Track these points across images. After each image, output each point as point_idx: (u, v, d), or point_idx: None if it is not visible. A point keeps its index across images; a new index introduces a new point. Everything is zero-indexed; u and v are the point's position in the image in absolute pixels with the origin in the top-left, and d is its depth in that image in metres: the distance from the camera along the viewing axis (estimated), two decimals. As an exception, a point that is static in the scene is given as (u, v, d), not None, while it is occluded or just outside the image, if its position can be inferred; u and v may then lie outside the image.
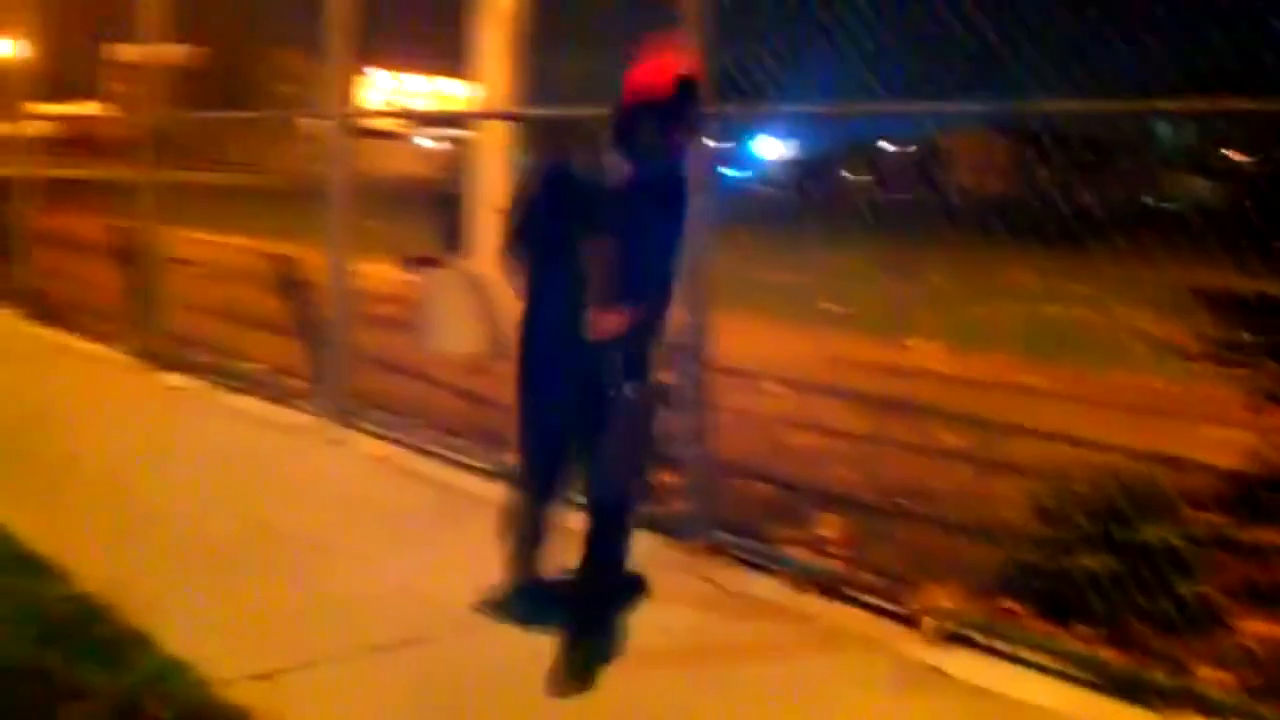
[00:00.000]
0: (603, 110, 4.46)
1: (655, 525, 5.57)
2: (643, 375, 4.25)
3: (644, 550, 5.35)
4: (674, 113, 4.12)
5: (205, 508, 5.87)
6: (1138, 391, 8.13)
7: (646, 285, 4.19)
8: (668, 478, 5.74)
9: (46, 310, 11.40)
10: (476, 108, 8.01)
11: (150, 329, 9.63)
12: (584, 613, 4.33)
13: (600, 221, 4.07)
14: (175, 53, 10.25)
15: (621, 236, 4.05)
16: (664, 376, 5.76)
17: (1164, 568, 4.25)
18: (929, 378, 8.74)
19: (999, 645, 4.37)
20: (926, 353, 10.16)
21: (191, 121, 11.00)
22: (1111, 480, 4.60)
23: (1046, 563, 4.52)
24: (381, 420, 7.37)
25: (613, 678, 4.16)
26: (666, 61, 4.17)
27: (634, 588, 4.72)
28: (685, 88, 4.12)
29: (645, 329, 4.25)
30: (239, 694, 3.85)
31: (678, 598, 4.88)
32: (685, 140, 4.37)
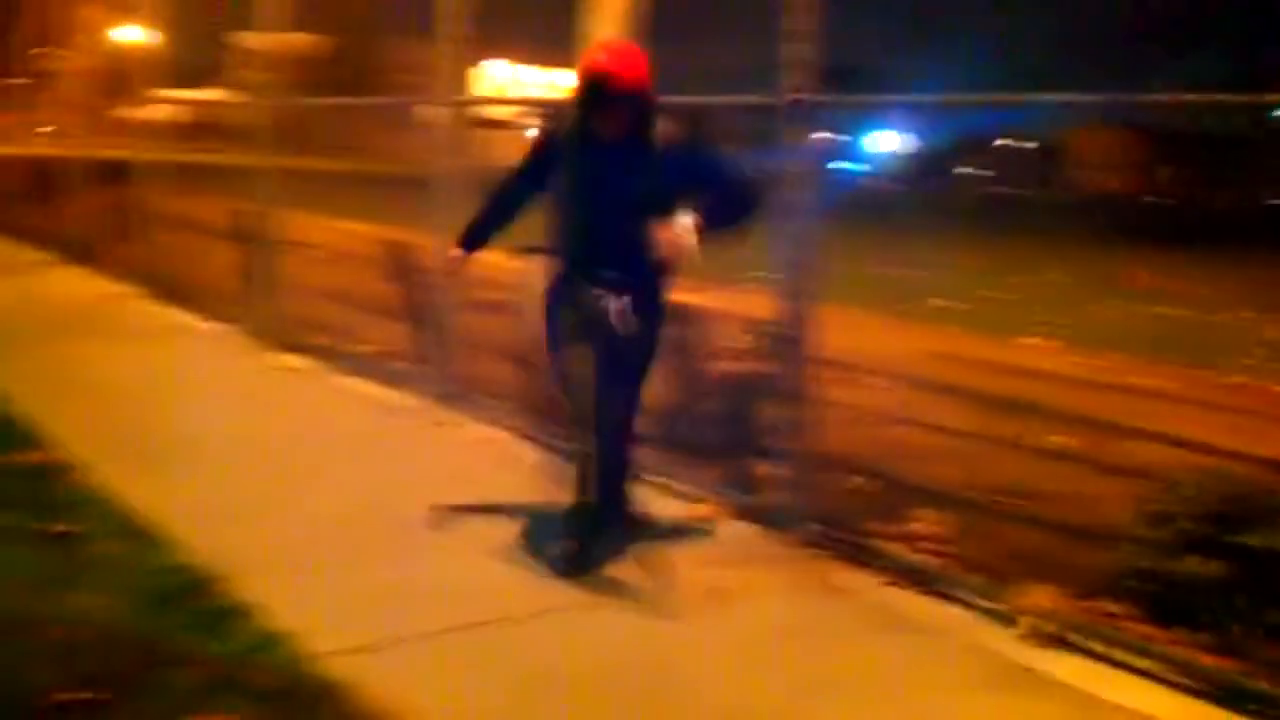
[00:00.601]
0: (717, 99, 5.15)
1: (753, 516, 5.56)
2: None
3: (741, 541, 5.36)
4: (587, 103, 4.71)
5: (312, 485, 6.00)
6: (1254, 395, 7.92)
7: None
8: (767, 469, 5.72)
9: (168, 290, 11.68)
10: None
11: (267, 310, 9.83)
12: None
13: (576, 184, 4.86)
14: (300, 40, 10.45)
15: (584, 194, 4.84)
16: (765, 368, 5.76)
17: (1271, 574, 4.15)
18: (1040, 376, 8.60)
19: (1097, 647, 4.28)
20: (1038, 351, 10.00)
21: (312, 108, 11.20)
22: (1221, 484, 4.50)
23: (1150, 566, 4.42)
24: (486, 404, 7.44)
25: (704, 669, 4.17)
26: (591, 58, 4.73)
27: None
28: (589, 86, 4.67)
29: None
30: (336, 667, 3.91)
31: (773, 590, 4.86)
32: (612, 128, 4.75)
